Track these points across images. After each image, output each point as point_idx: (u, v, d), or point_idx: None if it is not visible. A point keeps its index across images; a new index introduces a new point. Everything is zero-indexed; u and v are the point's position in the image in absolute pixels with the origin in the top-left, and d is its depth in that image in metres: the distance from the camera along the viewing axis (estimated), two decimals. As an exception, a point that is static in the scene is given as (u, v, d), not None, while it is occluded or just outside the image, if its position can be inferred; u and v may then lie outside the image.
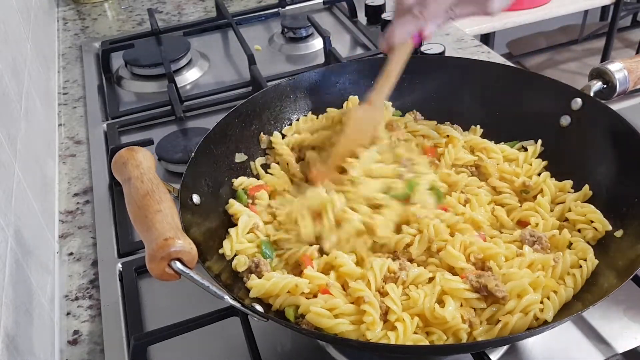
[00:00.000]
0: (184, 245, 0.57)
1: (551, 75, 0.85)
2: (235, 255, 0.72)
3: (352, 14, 1.51)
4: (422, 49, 1.26)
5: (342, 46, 1.41)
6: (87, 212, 1.00)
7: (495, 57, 1.33)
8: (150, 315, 0.80)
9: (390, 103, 0.93)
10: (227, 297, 0.59)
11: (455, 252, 0.68)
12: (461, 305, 0.64)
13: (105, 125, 1.19)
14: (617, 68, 0.81)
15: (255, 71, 1.24)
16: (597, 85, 0.81)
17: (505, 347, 0.72)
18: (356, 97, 0.93)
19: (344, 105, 0.92)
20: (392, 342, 0.60)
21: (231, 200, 0.78)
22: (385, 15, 1.41)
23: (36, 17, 1.37)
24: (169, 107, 1.20)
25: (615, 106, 0.79)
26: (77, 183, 1.07)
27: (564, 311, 0.64)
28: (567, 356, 0.70)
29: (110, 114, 1.22)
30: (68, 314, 0.82)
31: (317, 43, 1.42)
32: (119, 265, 0.87)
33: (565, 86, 0.83)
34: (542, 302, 0.63)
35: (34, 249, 0.80)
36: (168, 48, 1.38)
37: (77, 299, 0.84)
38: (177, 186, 0.71)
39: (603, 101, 0.80)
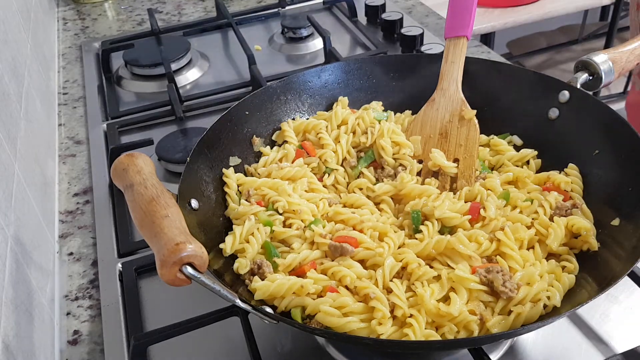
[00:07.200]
0: (195, 249, 0.57)
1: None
2: (237, 257, 0.72)
3: (352, 14, 1.51)
4: (423, 49, 1.26)
5: (342, 46, 1.41)
6: (87, 212, 1.00)
7: (495, 57, 1.33)
8: (150, 315, 0.80)
9: (380, 103, 0.93)
10: (238, 301, 0.59)
11: (465, 240, 0.68)
12: (468, 302, 0.64)
13: (105, 125, 1.19)
14: (601, 59, 0.82)
15: (255, 71, 1.24)
16: (583, 77, 0.82)
17: (505, 347, 0.72)
18: (345, 98, 0.93)
19: (334, 106, 0.92)
20: (412, 338, 0.61)
21: (232, 205, 0.79)
22: (385, 15, 1.42)
23: (36, 17, 1.37)
24: (169, 107, 1.20)
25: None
26: (77, 183, 1.07)
27: (570, 302, 0.65)
28: (567, 356, 0.70)
29: (110, 114, 1.22)
30: (68, 314, 0.82)
31: (317, 43, 1.42)
32: (119, 265, 0.87)
33: (552, 79, 0.84)
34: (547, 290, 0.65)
35: (34, 249, 0.80)
36: (168, 48, 1.38)
37: (77, 299, 0.84)
38: (176, 186, 0.71)
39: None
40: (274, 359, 0.72)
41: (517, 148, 0.86)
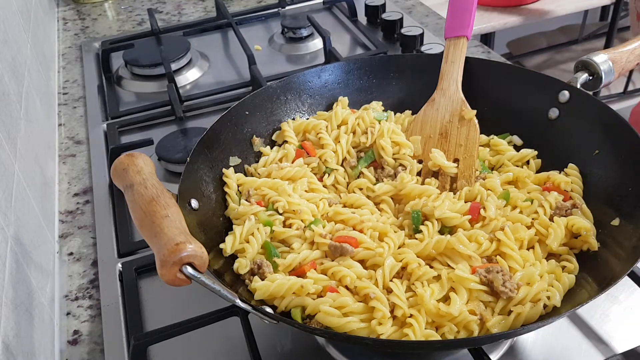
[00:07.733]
0: (195, 249, 0.57)
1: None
2: (236, 257, 0.72)
3: (352, 14, 1.51)
4: (423, 49, 1.26)
5: (342, 46, 1.41)
6: (87, 212, 1.00)
7: (495, 57, 1.33)
8: (150, 315, 0.80)
9: (380, 103, 0.93)
10: (238, 301, 0.59)
11: (465, 240, 0.68)
12: (468, 302, 0.64)
13: (105, 125, 1.19)
14: (601, 59, 0.82)
15: (255, 71, 1.24)
16: (583, 77, 0.82)
17: (505, 347, 0.72)
18: (345, 98, 0.93)
19: (334, 106, 0.92)
20: (412, 338, 0.61)
21: (232, 205, 0.79)
22: (385, 15, 1.41)
23: (36, 17, 1.37)
24: (169, 107, 1.20)
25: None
26: (77, 183, 1.07)
27: (570, 302, 0.65)
28: (567, 356, 0.70)
29: (110, 114, 1.22)
30: (68, 314, 0.82)
31: (317, 43, 1.42)
32: (119, 265, 0.87)
33: (552, 79, 0.84)
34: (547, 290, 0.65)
35: (34, 249, 0.80)
36: (168, 48, 1.38)
37: (77, 299, 0.84)
38: (176, 186, 0.71)
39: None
40: (274, 359, 0.72)
41: (517, 148, 0.86)
